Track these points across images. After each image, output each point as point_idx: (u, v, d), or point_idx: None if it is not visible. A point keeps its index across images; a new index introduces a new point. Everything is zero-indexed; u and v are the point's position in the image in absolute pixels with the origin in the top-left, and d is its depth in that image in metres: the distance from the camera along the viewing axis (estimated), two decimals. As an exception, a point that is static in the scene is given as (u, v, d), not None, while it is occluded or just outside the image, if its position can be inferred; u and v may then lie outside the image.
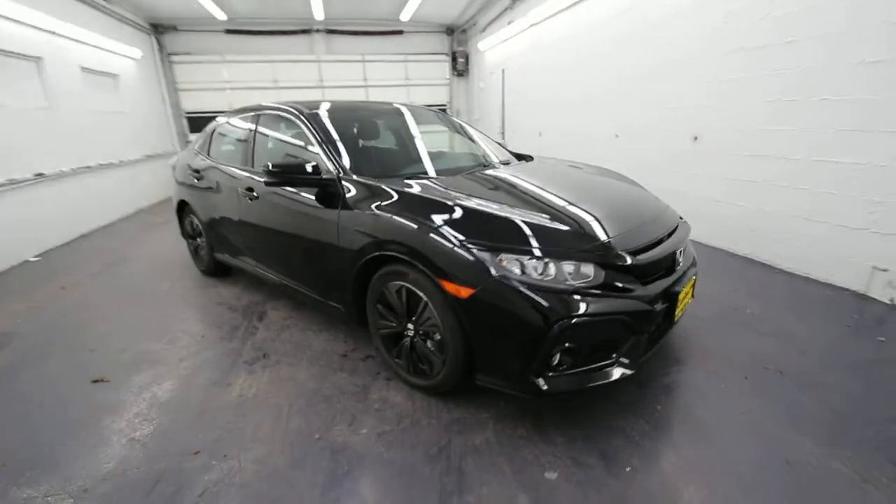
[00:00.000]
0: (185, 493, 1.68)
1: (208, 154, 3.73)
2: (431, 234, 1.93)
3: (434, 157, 2.96)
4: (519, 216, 1.94)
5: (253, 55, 9.54)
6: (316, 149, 2.63)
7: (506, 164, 3.03)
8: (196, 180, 3.70)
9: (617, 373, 1.86)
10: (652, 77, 4.84)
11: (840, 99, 3.08)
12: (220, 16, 8.31)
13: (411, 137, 3.16)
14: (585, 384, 1.82)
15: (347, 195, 2.36)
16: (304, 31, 9.75)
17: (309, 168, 2.44)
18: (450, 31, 10.66)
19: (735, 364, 2.39)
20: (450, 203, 2.05)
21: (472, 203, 2.04)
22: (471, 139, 3.43)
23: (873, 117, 2.89)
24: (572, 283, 1.79)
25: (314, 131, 2.70)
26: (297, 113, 2.87)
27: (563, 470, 1.73)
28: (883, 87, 2.82)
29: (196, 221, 3.90)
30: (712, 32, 4.01)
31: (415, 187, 2.27)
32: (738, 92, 3.83)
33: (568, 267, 1.81)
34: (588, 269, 1.82)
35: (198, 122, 9.63)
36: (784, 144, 3.49)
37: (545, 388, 1.78)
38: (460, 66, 10.61)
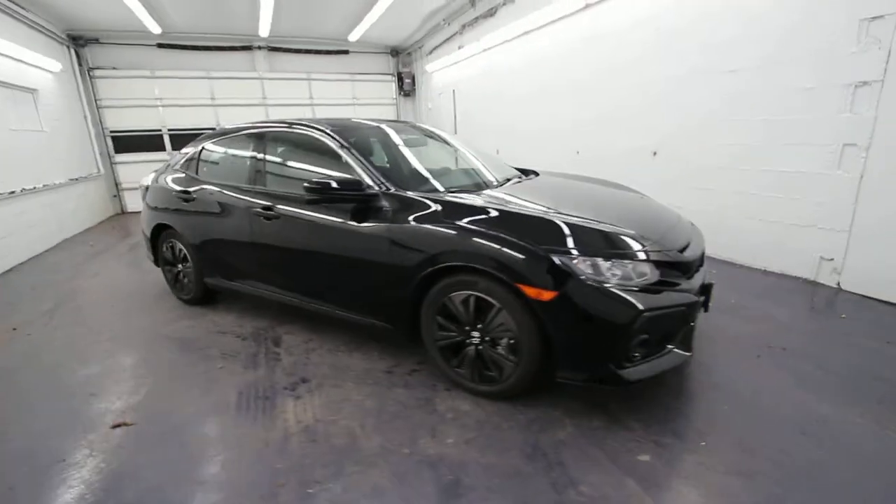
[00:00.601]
0: (294, 526, 1.59)
1: (196, 174, 3.50)
2: (511, 243, 2.02)
3: (457, 172, 3.06)
4: (585, 222, 2.11)
5: (188, 71, 8.96)
6: (352, 165, 2.62)
7: (520, 178, 3.20)
8: (184, 202, 3.44)
9: (680, 358, 2.08)
10: (618, 104, 5.36)
11: (778, 119, 3.69)
12: (156, 29, 7.75)
13: (428, 153, 3.24)
14: (657, 370, 2.01)
15: (396, 210, 2.38)
16: (244, 48, 9.38)
17: (355, 184, 2.43)
18: (395, 52, 10.84)
19: (742, 346, 2.73)
20: (516, 212, 2.17)
21: (538, 211, 2.18)
22: (474, 156, 3.57)
23: (810, 134, 3.50)
24: (638, 281, 1.98)
25: (347, 148, 2.69)
26: (322, 130, 2.83)
27: (650, 452, 1.89)
28: (814, 108, 3.44)
29: (179, 246, 3.61)
30: (669, 61, 4.58)
31: (473, 200, 2.36)
32: (691, 114, 4.40)
33: (633, 266, 2.00)
34: (647, 268, 2.03)
35: (125, 142, 8.82)
36: (735, 157, 4.07)
37: (628, 377, 1.94)
38: (406, 86, 10.81)
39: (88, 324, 3.50)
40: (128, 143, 8.88)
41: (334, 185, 2.41)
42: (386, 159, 2.96)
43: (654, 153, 4.89)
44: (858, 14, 3.11)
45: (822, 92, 3.37)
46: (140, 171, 9.02)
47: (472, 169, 3.16)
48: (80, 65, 8.04)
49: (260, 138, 3.14)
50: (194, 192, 3.38)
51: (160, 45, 8.68)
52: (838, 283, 3.49)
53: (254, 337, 3.16)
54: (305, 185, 2.45)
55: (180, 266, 3.71)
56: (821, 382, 2.32)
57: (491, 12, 7.29)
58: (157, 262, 4.00)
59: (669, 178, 4.71)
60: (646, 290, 1.96)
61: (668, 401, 2.22)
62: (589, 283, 1.90)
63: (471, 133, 8.72)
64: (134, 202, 9.13)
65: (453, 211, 2.27)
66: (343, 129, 2.86)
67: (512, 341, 2.11)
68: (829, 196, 3.45)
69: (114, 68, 8.43)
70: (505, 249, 2.02)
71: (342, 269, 2.63)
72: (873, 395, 2.20)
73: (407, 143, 3.26)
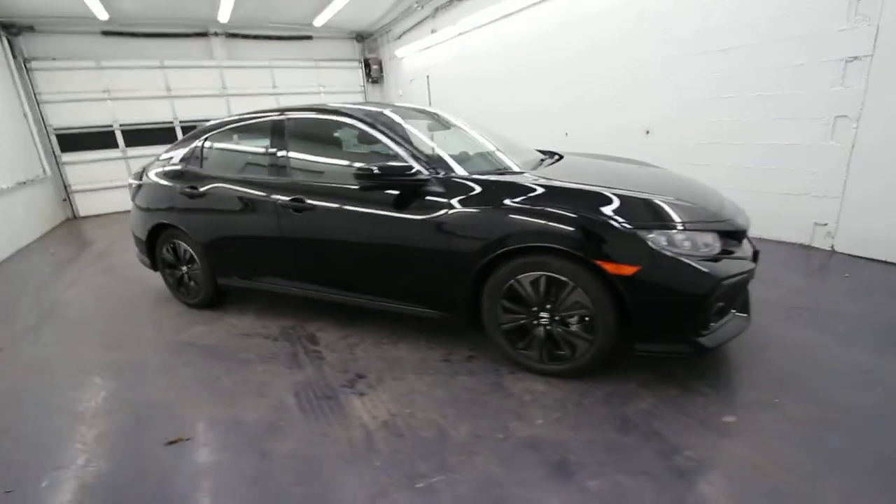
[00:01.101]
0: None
1: (200, 168, 3.24)
2: (589, 220, 2.02)
3: (491, 155, 2.99)
4: (651, 196, 2.14)
5: (139, 60, 8.26)
6: (396, 150, 2.52)
7: (548, 159, 3.18)
8: (189, 199, 3.19)
9: (745, 322, 2.18)
10: (608, 84, 5.46)
11: (772, 95, 3.91)
12: (102, 15, 7.04)
13: (461, 137, 3.17)
14: (730, 336, 2.10)
15: (451, 195, 2.31)
16: (200, 35, 8.75)
17: (406, 170, 2.34)
18: (360, 37, 10.50)
19: (770, 308, 2.89)
20: (588, 190, 2.17)
21: (606, 189, 2.18)
22: (498, 140, 3.50)
23: (803, 108, 3.73)
24: (705, 251, 2.04)
25: (389, 133, 2.58)
26: (351, 114, 2.71)
27: (733, 413, 1.97)
28: (807, 84, 3.67)
29: (184, 247, 3.35)
30: (656, 42, 4.71)
31: (527, 180, 2.33)
32: (684, 93, 4.57)
33: (702, 237, 2.06)
34: (712, 238, 2.10)
35: (72, 140, 8.03)
36: (730, 133, 4.28)
37: (707, 345, 2.00)
38: (374, 73, 10.51)
39: (86, 338, 3.19)
40: (75, 141, 8.07)
41: (385, 170, 2.31)
42: (425, 144, 2.86)
43: (647, 132, 5.05)
44: (839, 54, 3.34)
45: (815, 68, 3.59)
46: (93, 171, 8.31)
47: (502, 151, 3.11)
48: (14, 56, 7.19)
49: (278, 127, 2.94)
50: (203, 188, 3.13)
51: (105, 33, 7.92)
52: (832, 246, 3.78)
53: (284, 337, 3.00)
54: (356, 170, 2.34)
55: (185, 268, 3.45)
56: (853, 336, 2.51)
57: (466, -5, 7.20)
58: (153, 266, 3.69)
59: (664, 156, 4.86)
60: (718, 258, 2.03)
61: (726, 365, 2.33)
62: (667, 255, 1.94)
63: None
64: (88, 205, 8.38)
65: (514, 192, 2.23)
66: (375, 115, 2.74)
67: (586, 318, 2.12)
68: (823, 166, 3.70)
69: (53, 59, 7.61)
70: (584, 227, 2.02)
71: (391, 258, 2.54)
72: (901, 343, 2.41)
73: (430, 128, 3.18)
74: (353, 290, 2.79)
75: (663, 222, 2.01)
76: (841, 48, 3.42)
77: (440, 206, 2.33)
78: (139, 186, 3.58)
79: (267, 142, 2.97)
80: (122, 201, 8.41)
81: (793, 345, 2.46)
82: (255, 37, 9.26)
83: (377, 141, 2.62)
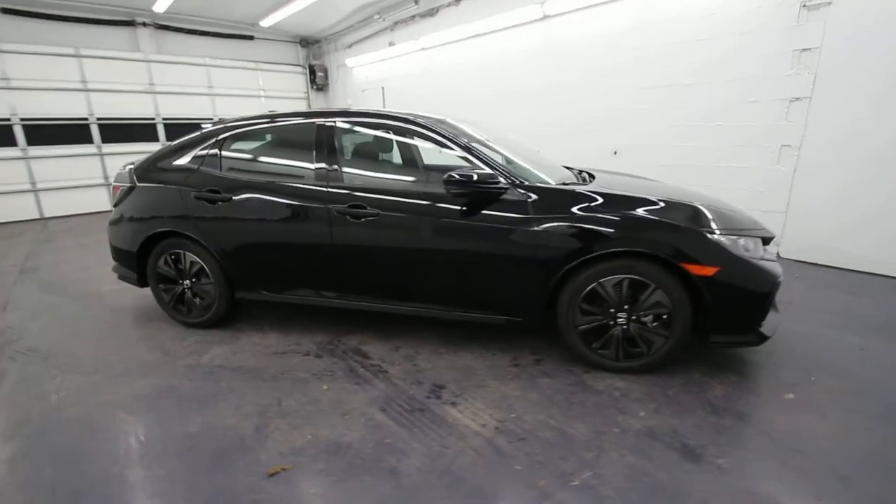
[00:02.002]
0: (595, 517, 1.58)
1: (221, 171, 2.94)
2: (674, 226, 2.25)
3: (543, 165, 3.08)
4: (717, 205, 2.43)
5: (48, 46, 7.10)
6: (471, 158, 2.54)
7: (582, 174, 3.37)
8: (208, 204, 2.87)
9: (777, 314, 2.55)
10: (580, 110, 5.94)
11: (727, 125, 4.60)
12: (9, -12, 5.98)
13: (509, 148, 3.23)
14: (777, 325, 2.45)
15: (533, 203, 2.40)
16: (125, 23, 7.79)
17: (491, 178, 2.39)
18: (305, 42, 10.12)
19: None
20: (660, 199, 2.39)
21: (668, 199, 2.42)
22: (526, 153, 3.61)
23: (754, 137, 4.45)
24: (759, 253, 2.38)
25: (458, 142, 2.59)
26: (415, 122, 2.69)
27: (789, 391, 2.30)
28: (758, 117, 4.39)
29: (192, 258, 2.99)
30: (626, 74, 5.28)
31: (602, 189, 2.49)
32: (650, 120, 5.17)
33: (753, 242, 2.39)
34: (755, 243, 2.45)
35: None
36: (690, 156, 4.93)
37: (767, 333, 2.32)
38: (319, 79, 10.18)
39: (81, 372, 2.68)
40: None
41: (482, 178, 2.34)
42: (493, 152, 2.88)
43: (615, 153, 5.59)
44: (793, 46, 4.08)
45: (765, 104, 4.32)
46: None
47: (545, 164, 3.23)
48: None
49: (327, 131, 2.78)
50: (229, 193, 2.83)
51: (5, 11, 6.70)
52: (778, 254, 4.52)
53: (326, 352, 2.81)
54: (448, 177, 2.33)
55: (188, 282, 3.06)
56: (837, 323, 3.05)
57: (431, 12, 7.37)
58: (141, 282, 3.21)
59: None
60: (769, 260, 2.38)
61: (755, 353, 2.68)
62: (739, 256, 2.24)
63: None
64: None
65: (595, 200, 2.39)
66: (435, 122, 2.74)
67: (664, 317, 2.33)
68: (770, 185, 4.44)
69: (-69, 33, 6.26)
70: (672, 233, 2.24)
71: (466, 267, 2.54)
72: (869, 325, 2.99)
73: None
74: (413, 301, 2.72)
75: (731, 228, 2.31)
76: (786, 90, 4.17)
77: (523, 213, 2.40)
78: (129, 190, 3.11)
79: (313, 146, 2.79)
80: (23, 206, 7.10)
81: (796, 332, 2.92)
82: (190, 31, 8.49)
83: (434, 148, 2.63)
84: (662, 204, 2.34)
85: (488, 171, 2.43)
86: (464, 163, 2.57)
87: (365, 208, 2.60)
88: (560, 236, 2.36)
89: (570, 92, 5.91)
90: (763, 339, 2.32)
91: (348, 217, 2.62)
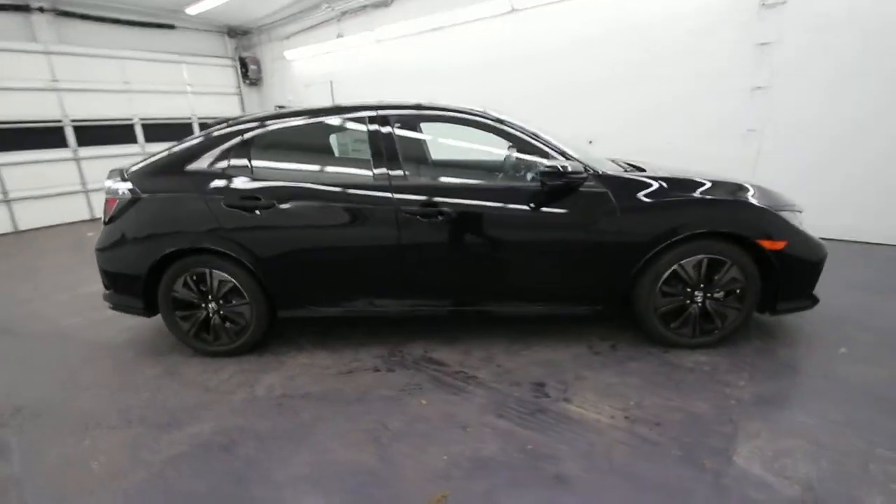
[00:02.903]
0: (774, 487, 1.65)
1: (252, 175, 2.58)
2: (751, 206, 2.42)
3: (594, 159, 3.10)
4: (760, 185, 2.64)
5: None
6: (546, 150, 2.50)
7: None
8: (245, 213, 2.51)
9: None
10: (554, 94, 6.09)
11: (697, 112, 5.04)
12: None
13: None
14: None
15: (618, 191, 2.43)
16: (16, 8, 6.48)
17: (578, 169, 2.36)
18: (233, 32, 9.21)
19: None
20: (726, 181, 2.53)
21: (730, 181, 2.58)
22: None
23: (722, 124, 4.91)
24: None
25: (530, 134, 2.53)
26: (482, 115, 2.58)
27: (842, 345, 2.58)
28: (726, 106, 4.85)
29: (223, 277, 2.60)
30: (597, 67, 5.54)
31: (669, 174, 2.58)
32: (623, 110, 5.48)
33: (799, 217, 2.64)
34: (800, 217, 2.69)
35: None
36: (660, 144, 5.31)
37: (818, 297, 2.58)
38: (252, 73, 9.35)
39: (110, 423, 2.20)
40: None
41: (574, 168, 2.30)
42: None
43: (590, 142, 5.84)
44: (755, 40, 4.56)
45: (731, 94, 4.79)
46: None
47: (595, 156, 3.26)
48: None
49: (380, 125, 2.55)
50: (272, 198, 2.49)
51: None
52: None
53: (397, 365, 2.61)
54: (546, 168, 2.28)
55: (213, 305, 2.65)
56: (837, 288, 3.46)
57: (385, 2, 7.11)
58: (148, 311, 2.72)
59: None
60: None
61: (780, 321, 2.95)
62: (800, 230, 2.46)
63: None
64: None
65: (670, 186, 2.47)
66: (501, 117, 2.64)
67: (738, 291, 2.49)
68: (736, 167, 4.94)
69: None
70: (748, 212, 2.39)
71: (548, 260, 2.51)
72: (855, 285, 3.46)
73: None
74: (489, 300, 2.62)
75: (789, 206, 2.52)
76: (750, 79, 4.65)
77: (608, 202, 2.42)
78: (130, 203, 2.60)
79: (368, 143, 2.55)
80: None
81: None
82: (98, 19, 7.31)
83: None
84: (732, 186, 2.49)
85: (576, 162, 2.40)
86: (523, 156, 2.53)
87: (438, 207, 2.44)
88: (646, 222, 2.41)
89: (547, 91, 6.05)
90: (816, 301, 2.57)
91: (420, 217, 2.44)
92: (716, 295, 2.50)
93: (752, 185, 2.55)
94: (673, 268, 2.46)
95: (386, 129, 2.56)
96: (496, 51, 6.30)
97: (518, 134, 2.55)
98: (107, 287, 2.78)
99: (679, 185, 2.48)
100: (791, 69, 4.43)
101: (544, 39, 5.88)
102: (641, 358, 2.56)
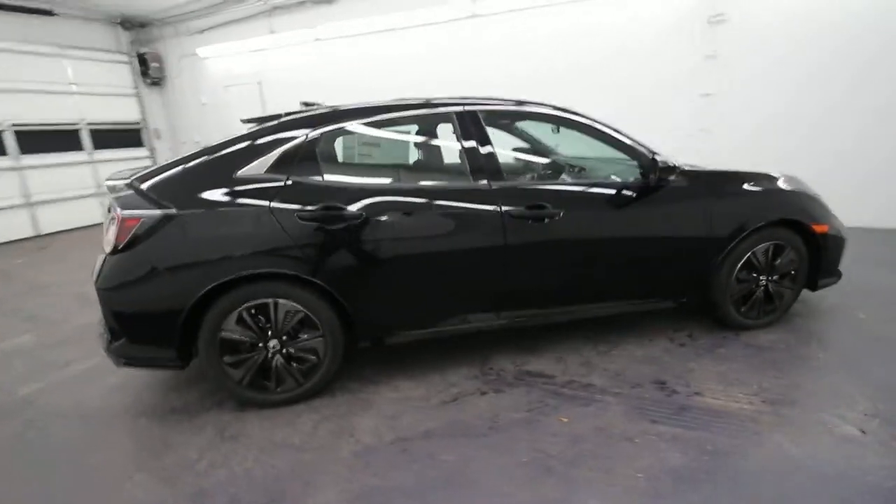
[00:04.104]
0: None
1: (322, 179, 2.17)
2: (803, 194, 2.68)
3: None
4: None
5: None
6: (635, 147, 2.50)
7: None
8: (327, 226, 2.09)
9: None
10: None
11: (657, 113, 5.53)
12: None
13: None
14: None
15: (705, 186, 2.53)
16: None
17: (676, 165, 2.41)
18: (128, 24, 7.80)
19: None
20: (767, 174, 2.77)
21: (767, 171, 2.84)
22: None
23: (677, 124, 5.45)
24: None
25: (614, 129, 2.51)
26: (569, 110, 2.51)
27: (861, 311, 2.98)
28: (680, 108, 5.40)
29: (291, 307, 2.13)
30: (551, 71, 5.79)
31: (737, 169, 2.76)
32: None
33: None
34: None
35: None
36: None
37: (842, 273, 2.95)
38: (154, 72, 8.02)
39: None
40: None
41: (676, 165, 2.35)
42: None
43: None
44: (704, 52, 5.15)
45: (685, 98, 5.34)
46: None
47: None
48: None
49: (474, 120, 2.34)
50: (362, 208, 2.10)
51: None
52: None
53: (500, 384, 2.38)
54: (663, 165, 2.26)
55: (275, 343, 2.16)
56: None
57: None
58: (182, 361, 2.11)
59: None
60: None
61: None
62: (832, 214, 2.79)
63: None
64: None
65: (742, 179, 2.64)
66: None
67: (793, 272, 2.75)
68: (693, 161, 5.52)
69: None
70: (805, 201, 2.65)
71: (648, 256, 2.51)
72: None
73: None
74: (583, 302, 2.53)
75: (813, 193, 2.84)
76: (701, 86, 5.24)
77: (699, 196, 2.50)
78: (164, 221, 1.98)
79: (459, 140, 2.29)
80: None
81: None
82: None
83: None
84: (782, 178, 2.74)
85: (660, 157, 2.44)
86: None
87: (545, 207, 2.28)
88: (731, 214, 2.54)
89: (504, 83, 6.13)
90: (841, 276, 2.94)
91: (527, 220, 2.26)
92: (776, 278, 2.73)
93: (792, 176, 2.84)
94: (747, 255, 2.62)
95: (476, 125, 2.34)
96: (454, 56, 6.24)
97: (607, 131, 2.51)
98: (115, 336, 2.09)
99: (749, 178, 2.65)
100: (734, 78, 5.09)
101: (504, 47, 5.98)
102: (724, 344, 2.67)
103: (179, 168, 2.12)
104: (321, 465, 1.87)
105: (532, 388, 2.33)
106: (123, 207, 1.98)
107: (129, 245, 1.98)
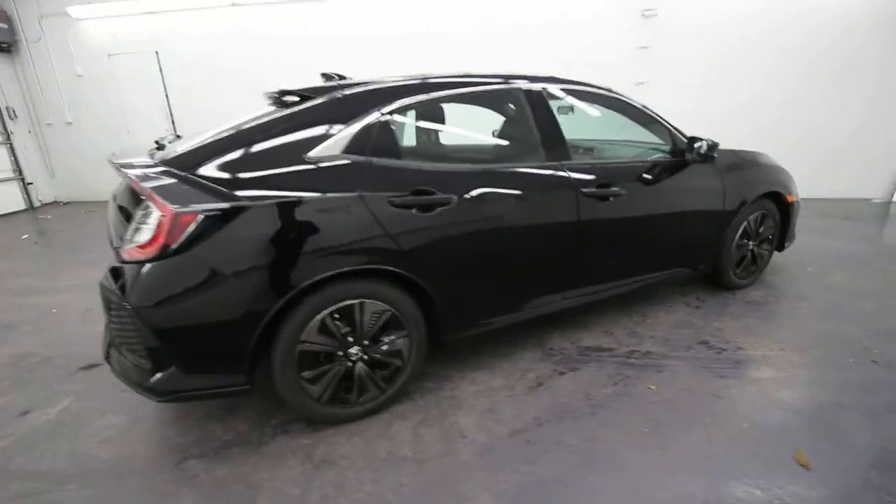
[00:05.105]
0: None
1: (399, 159, 1.95)
2: (780, 169, 3.11)
3: None
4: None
5: None
6: (669, 128, 2.67)
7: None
8: (419, 212, 1.88)
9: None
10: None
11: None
12: None
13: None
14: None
15: (718, 163, 2.80)
16: None
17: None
18: (-44, -33, 5.93)
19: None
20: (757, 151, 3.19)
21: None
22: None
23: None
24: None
25: (652, 111, 2.64)
26: (617, 93, 2.59)
27: (807, 267, 3.61)
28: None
29: (378, 308, 1.90)
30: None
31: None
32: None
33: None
34: None
35: None
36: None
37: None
38: (3, 35, 6.28)
39: None
40: None
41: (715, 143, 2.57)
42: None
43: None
44: (636, 44, 5.65)
45: (623, 86, 5.79)
46: None
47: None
48: None
49: (540, 99, 2.29)
50: (446, 190, 1.91)
51: None
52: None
53: (571, 361, 2.42)
54: (710, 144, 2.52)
55: (356, 349, 1.90)
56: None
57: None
58: (248, 385, 1.75)
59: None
60: None
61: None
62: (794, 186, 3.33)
63: (200, 116, 6.53)
64: None
65: (741, 156, 3.00)
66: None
67: (770, 237, 3.22)
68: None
69: None
70: (782, 174, 3.10)
71: (683, 228, 2.76)
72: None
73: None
74: (628, 276, 2.66)
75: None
76: (634, 76, 5.75)
77: (716, 173, 2.78)
78: (228, 216, 1.57)
79: (530, 118, 2.22)
80: None
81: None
82: None
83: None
84: (766, 155, 3.17)
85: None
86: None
87: (610, 186, 2.33)
88: (739, 187, 2.86)
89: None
90: (795, 237, 3.52)
91: (597, 199, 2.29)
92: (759, 242, 3.17)
93: (765, 153, 3.30)
94: (744, 224, 3.00)
95: (542, 103, 2.29)
96: (400, 27, 5.97)
97: (650, 113, 2.65)
98: (159, 366, 1.63)
99: (749, 156, 3.03)
100: (664, 69, 5.69)
101: (453, 23, 5.89)
102: (730, 303, 3.04)
103: (235, 148, 1.71)
104: (452, 473, 1.71)
105: (602, 363, 2.41)
106: (173, 200, 1.54)
107: (183, 247, 1.55)
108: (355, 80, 2.11)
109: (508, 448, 1.83)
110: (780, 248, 3.36)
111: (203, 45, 6.31)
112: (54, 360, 2.62)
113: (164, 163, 1.68)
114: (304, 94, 1.95)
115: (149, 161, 1.71)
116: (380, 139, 1.88)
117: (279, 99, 2.02)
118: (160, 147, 2.12)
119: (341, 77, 2.61)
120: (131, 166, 1.68)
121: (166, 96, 6.62)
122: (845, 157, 5.59)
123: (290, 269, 1.66)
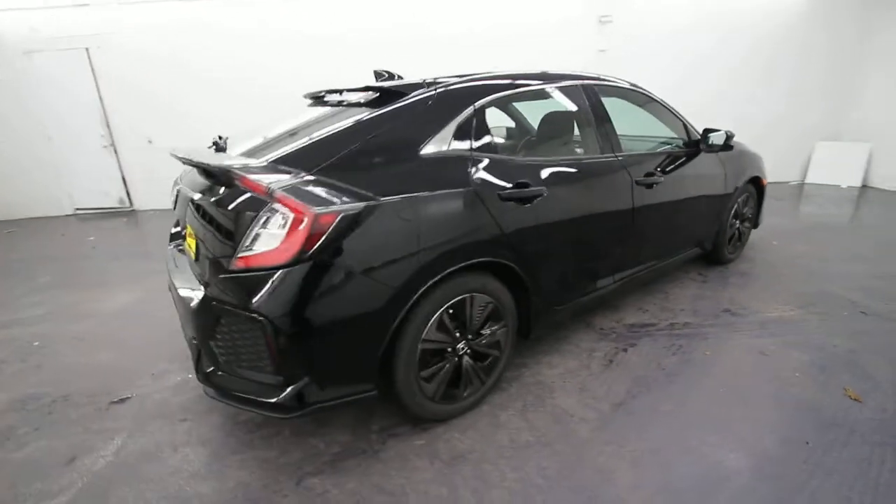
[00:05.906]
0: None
1: (494, 152, 2.00)
2: (759, 157, 3.57)
3: None
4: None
5: None
6: (683, 121, 2.95)
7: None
8: (519, 205, 1.94)
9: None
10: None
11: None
12: None
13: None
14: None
15: (720, 152, 3.15)
16: None
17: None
18: None
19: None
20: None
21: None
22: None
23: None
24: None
25: (667, 105, 2.91)
26: (640, 87, 2.80)
27: (773, 241, 4.16)
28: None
29: (483, 301, 1.94)
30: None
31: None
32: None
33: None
34: None
35: None
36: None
37: (762, 213, 4.07)
38: None
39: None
40: None
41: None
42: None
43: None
44: (597, 46, 6.09)
45: (583, 86, 6.22)
46: None
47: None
48: None
49: (594, 94, 2.47)
50: (538, 182, 1.99)
51: None
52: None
53: (623, 339, 2.60)
54: (729, 134, 2.79)
55: (462, 345, 1.92)
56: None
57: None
58: (380, 388, 1.70)
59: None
60: None
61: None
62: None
63: (141, 117, 5.92)
64: None
65: (736, 147, 3.39)
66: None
67: (750, 216, 3.68)
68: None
69: None
70: (760, 161, 3.57)
71: (700, 211, 3.06)
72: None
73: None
74: (660, 258, 2.90)
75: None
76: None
77: (720, 160, 3.13)
78: (360, 217, 1.51)
79: (589, 113, 2.37)
80: None
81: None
82: None
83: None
84: (743, 144, 3.61)
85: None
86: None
87: (654, 174, 2.56)
88: (734, 174, 3.25)
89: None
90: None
91: (644, 186, 2.50)
92: (742, 221, 3.62)
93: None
94: (735, 205, 3.41)
95: (595, 99, 2.45)
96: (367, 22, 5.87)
97: (668, 106, 2.91)
98: (290, 380, 1.52)
99: (738, 146, 3.41)
100: (620, 70, 6.16)
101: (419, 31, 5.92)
102: (729, 276, 3.43)
103: (344, 148, 1.64)
104: (581, 452, 1.79)
105: (654, 337, 2.62)
106: (311, 201, 1.45)
107: (321, 250, 1.47)
108: (443, 76, 2.10)
109: (619, 422, 1.95)
110: (756, 224, 3.85)
111: (150, 45, 5.70)
112: (73, 398, 2.28)
113: (286, 162, 1.58)
114: (394, 90, 1.91)
115: (259, 162, 1.59)
116: (479, 133, 1.91)
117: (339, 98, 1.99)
118: (220, 149, 1.97)
119: (391, 75, 2.59)
120: (244, 168, 1.55)
121: (100, 98, 5.89)
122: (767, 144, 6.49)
123: (420, 266, 1.64)
